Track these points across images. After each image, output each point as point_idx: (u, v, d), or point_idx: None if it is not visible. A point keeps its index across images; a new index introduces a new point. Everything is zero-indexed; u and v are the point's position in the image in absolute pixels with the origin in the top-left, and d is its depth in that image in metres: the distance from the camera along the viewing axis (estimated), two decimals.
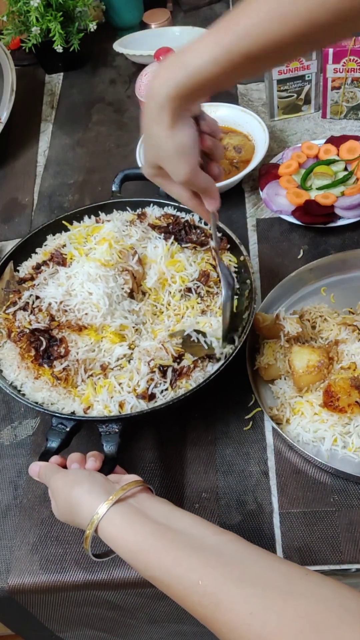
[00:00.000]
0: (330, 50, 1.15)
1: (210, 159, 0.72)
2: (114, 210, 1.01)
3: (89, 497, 0.62)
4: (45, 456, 0.73)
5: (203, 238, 0.93)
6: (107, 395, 0.78)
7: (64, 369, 0.81)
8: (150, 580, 0.58)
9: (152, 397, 0.78)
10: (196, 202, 0.73)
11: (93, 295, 0.84)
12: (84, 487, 0.63)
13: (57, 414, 0.77)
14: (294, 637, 0.46)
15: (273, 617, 0.48)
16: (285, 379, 0.85)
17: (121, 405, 0.77)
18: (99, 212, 1.00)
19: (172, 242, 0.92)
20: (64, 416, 0.76)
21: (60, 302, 0.85)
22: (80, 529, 0.64)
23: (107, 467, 0.71)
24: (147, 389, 0.78)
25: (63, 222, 0.99)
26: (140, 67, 1.39)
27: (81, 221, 1.00)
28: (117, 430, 0.74)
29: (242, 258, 0.91)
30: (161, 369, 0.79)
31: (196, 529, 0.59)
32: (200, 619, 0.53)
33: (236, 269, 0.92)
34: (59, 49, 1.41)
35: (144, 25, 1.60)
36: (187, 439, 0.86)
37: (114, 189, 1.02)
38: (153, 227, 0.96)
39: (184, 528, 0.59)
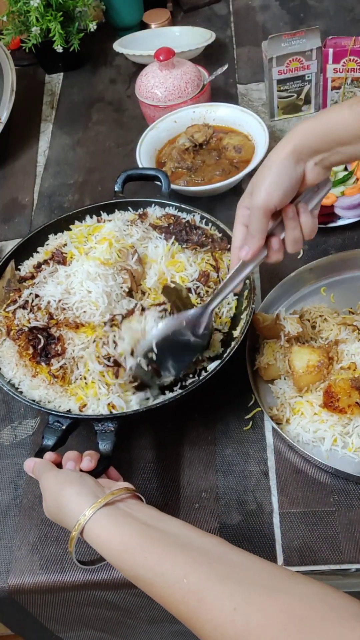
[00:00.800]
0: (330, 50, 1.15)
1: (277, 234, 0.72)
2: (116, 210, 1.01)
3: (78, 499, 0.62)
4: (40, 453, 0.74)
5: (204, 239, 0.93)
6: (93, 395, 0.78)
7: (60, 367, 0.81)
8: (134, 580, 0.58)
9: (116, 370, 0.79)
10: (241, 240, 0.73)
11: (92, 294, 0.84)
12: (74, 489, 0.64)
13: (53, 412, 0.77)
14: (278, 632, 0.46)
15: (257, 612, 0.48)
16: (285, 379, 0.85)
17: (113, 406, 0.77)
18: (101, 212, 1.00)
19: (172, 242, 0.92)
20: (60, 414, 0.77)
21: (59, 300, 0.85)
22: (68, 529, 0.64)
23: (101, 466, 0.71)
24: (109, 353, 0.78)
25: (64, 221, 0.99)
26: (140, 67, 1.38)
27: (83, 221, 1.00)
28: (112, 429, 0.74)
29: None
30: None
31: (183, 531, 0.59)
32: (182, 617, 0.53)
33: None
34: (59, 49, 1.41)
35: (144, 25, 1.60)
36: (187, 438, 0.86)
37: (116, 189, 1.02)
38: (154, 227, 0.95)
39: (170, 529, 0.59)
